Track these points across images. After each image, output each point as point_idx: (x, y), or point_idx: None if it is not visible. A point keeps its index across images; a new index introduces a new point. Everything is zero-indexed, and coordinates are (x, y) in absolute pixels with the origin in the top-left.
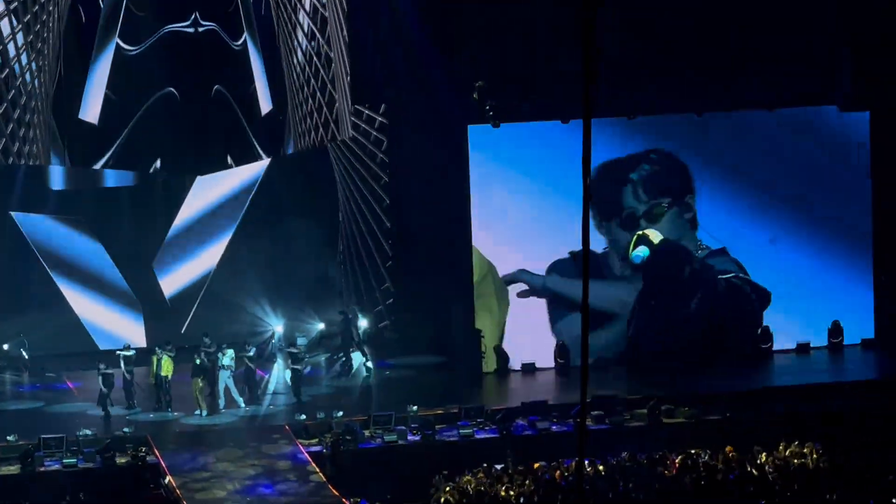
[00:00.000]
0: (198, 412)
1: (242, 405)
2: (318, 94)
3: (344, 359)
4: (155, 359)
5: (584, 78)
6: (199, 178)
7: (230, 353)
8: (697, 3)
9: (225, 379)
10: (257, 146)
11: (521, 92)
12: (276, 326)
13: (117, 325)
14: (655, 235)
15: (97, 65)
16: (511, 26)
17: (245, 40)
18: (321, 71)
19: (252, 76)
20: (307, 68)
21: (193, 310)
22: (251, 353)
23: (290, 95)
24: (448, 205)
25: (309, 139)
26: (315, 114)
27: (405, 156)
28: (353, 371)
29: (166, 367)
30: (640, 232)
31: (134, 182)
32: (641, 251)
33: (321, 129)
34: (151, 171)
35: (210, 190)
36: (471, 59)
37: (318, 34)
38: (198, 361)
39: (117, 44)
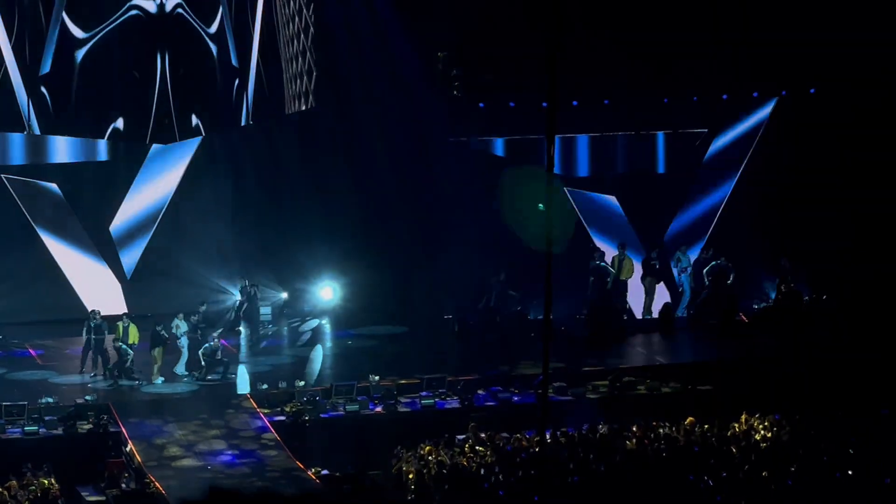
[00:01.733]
0: (159, 380)
1: (183, 373)
2: (300, 60)
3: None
4: (121, 326)
5: (549, 59)
6: (154, 148)
7: (182, 320)
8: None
9: (183, 347)
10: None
11: (485, 64)
12: (238, 296)
13: (99, 293)
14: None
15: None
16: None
17: (220, 20)
18: (303, 38)
19: (228, 56)
20: (294, 39)
21: (128, 278)
22: (191, 323)
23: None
24: (411, 174)
25: (293, 106)
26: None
27: (370, 125)
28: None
29: (132, 335)
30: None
31: (95, 153)
32: None
33: (296, 100)
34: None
35: (166, 161)
36: (435, 29)
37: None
38: (158, 328)
39: (69, 31)
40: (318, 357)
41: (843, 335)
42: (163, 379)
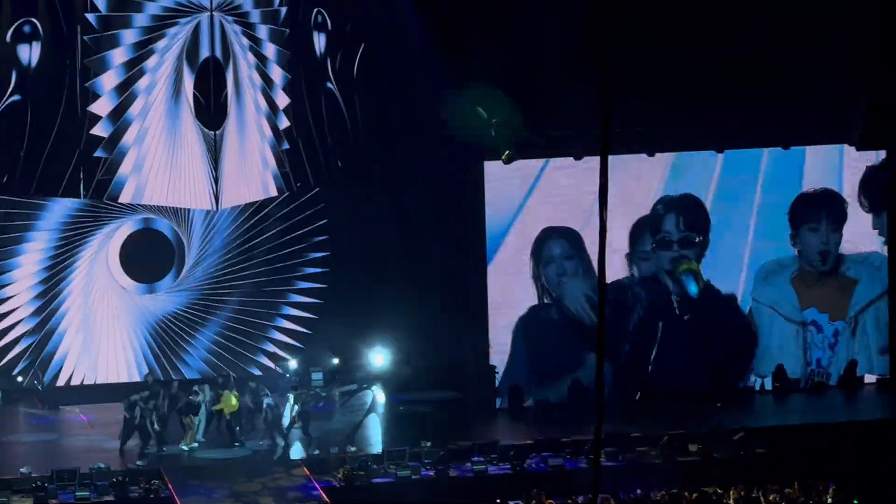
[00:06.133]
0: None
1: (200, 439)
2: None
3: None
4: (224, 396)
5: (602, 116)
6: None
7: (206, 388)
8: (716, 39)
9: (201, 414)
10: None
11: (533, 127)
12: (290, 361)
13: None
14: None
15: None
16: (522, 60)
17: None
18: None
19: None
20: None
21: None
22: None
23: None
24: (462, 238)
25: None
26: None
27: (418, 187)
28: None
29: (233, 404)
30: (691, 266)
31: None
32: (692, 285)
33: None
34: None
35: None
36: (482, 90)
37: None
38: (198, 398)
39: None
40: (371, 422)
41: None
42: (197, 444)
